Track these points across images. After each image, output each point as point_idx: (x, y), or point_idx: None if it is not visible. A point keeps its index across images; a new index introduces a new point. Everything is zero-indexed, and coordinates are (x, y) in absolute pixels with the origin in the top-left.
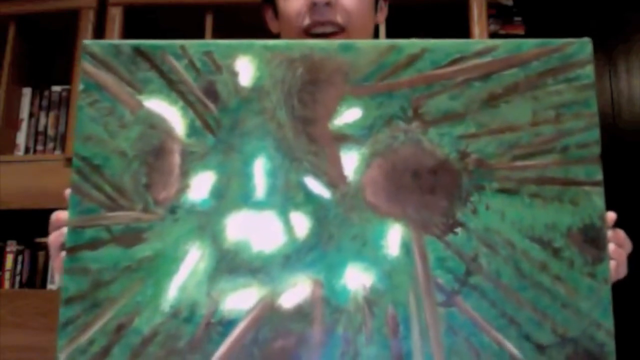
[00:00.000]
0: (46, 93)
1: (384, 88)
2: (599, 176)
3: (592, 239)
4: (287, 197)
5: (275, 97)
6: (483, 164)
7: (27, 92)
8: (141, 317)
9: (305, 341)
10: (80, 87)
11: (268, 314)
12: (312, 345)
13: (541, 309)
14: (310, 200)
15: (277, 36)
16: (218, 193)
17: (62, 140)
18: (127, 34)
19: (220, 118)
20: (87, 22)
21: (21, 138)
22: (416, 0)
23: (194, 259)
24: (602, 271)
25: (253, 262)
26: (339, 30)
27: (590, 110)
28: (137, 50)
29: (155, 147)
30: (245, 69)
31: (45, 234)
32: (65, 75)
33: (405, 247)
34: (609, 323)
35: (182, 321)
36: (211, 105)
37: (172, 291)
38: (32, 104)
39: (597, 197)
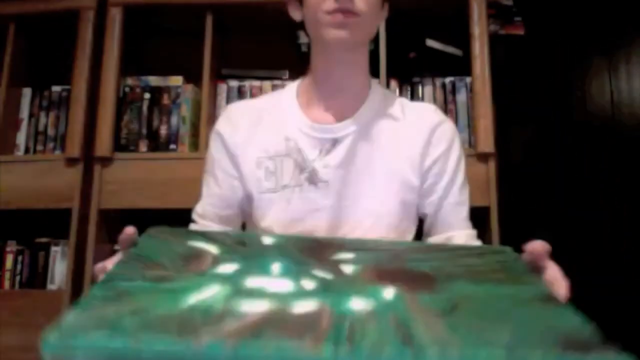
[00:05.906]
0: (46, 93)
1: None
2: None
3: None
4: (297, 276)
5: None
6: None
7: (27, 92)
8: (157, 308)
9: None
10: None
11: (276, 316)
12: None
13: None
14: (316, 278)
15: (300, 23)
16: (240, 270)
17: (62, 140)
18: (127, 34)
19: (245, 256)
20: (87, 22)
21: (21, 138)
22: (416, 0)
23: (214, 291)
24: None
25: (266, 295)
26: (354, 15)
27: None
28: None
29: (191, 255)
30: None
31: (45, 233)
32: (65, 75)
33: (399, 295)
34: None
35: (196, 312)
36: (240, 247)
37: (191, 300)
38: (32, 104)
39: None
